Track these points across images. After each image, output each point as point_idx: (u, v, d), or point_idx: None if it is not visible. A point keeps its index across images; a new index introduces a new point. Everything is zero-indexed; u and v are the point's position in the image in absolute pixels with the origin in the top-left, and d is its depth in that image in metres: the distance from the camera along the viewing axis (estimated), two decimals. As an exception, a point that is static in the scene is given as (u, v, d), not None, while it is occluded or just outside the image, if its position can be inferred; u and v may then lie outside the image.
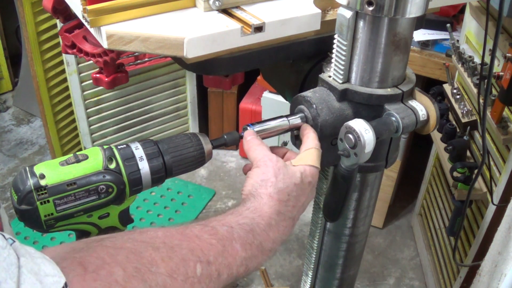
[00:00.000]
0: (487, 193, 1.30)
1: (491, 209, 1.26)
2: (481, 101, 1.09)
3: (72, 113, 2.10)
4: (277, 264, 1.92)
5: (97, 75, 0.86)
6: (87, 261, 0.41)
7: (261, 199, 0.59)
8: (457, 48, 1.40)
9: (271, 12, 0.64)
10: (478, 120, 1.35)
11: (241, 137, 0.65)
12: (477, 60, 1.36)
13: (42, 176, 0.58)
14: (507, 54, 1.10)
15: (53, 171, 0.59)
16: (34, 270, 0.37)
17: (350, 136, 0.59)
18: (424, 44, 1.65)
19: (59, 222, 0.60)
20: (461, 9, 1.70)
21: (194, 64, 0.62)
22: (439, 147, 1.46)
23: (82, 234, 0.66)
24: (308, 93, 0.65)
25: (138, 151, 0.62)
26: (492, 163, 1.28)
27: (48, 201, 0.58)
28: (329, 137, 0.66)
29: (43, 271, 0.37)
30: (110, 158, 0.61)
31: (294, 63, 0.75)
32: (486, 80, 0.93)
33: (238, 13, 0.63)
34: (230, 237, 0.54)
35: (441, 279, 1.69)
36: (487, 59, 1.14)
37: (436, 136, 1.49)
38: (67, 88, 1.99)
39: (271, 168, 0.60)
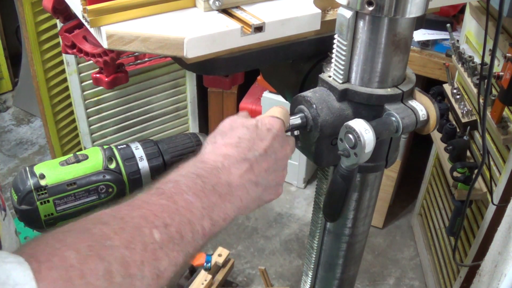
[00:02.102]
0: (487, 193, 1.30)
1: (491, 209, 1.26)
2: (481, 101, 1.09)
3: (72, 113, 2.10)
4: (277, 264, 1.93)
5: (97, 75, 0.86)
6: (37, 252, 0.39)
7: (204, 149, 0.56)
8: (457, 48, 1.40)
9: (271, 12, 0.64)
10: (478, 120, 1.35)
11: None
12: (477, 60, 1.36)
13: (42, 176, 0.58)
14: (507, 54, 1.10)
15: (53, 171, 0.59)
16: (2, 279, 0.35)
17: (350, 136, 0.59)
18: (424, 44, 1.65)
19: (59, 222, 0.60)
20: (461, 9, 1.70)
21: (194, 64, 0.62)
22: (439, 147, 1.46)
23: (82, 234, 0.66)
24: (308, 93, 0.65)
25: (138, 151, 0.62)
26: (492, 163, 1.28)
27: (48, 201, 0.58)
28: (329, 137, 0.66)
29: (13, 280, 0.35)
30: (110, 158, 0.61)
31: (294, 63, 0.75)
32: (486, 80, 0.93)
33: (238, 13, 0.63)
34: (179, 191, 0.49)
35: (441, 279, 1.69)
36: (487, 59, 1.14)
37: (436, 136, 1.49)
38: (67, 88, 1.99)
39: (224, 122, 0.58)
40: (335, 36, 0.64)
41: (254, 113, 2.27)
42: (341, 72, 0.64)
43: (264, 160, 0.55)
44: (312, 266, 0.92)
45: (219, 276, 1.67)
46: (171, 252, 0.45)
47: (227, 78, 0.96)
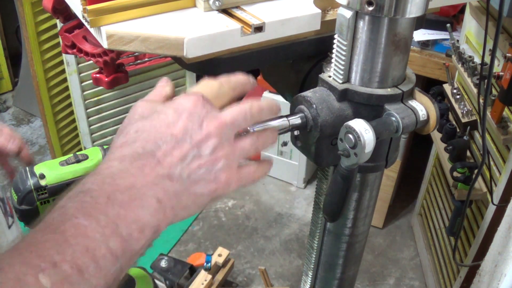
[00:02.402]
0: (487, 193, 1.30)
1: (491, 209, 1.26)
2: (481, 101, 1.09)
3: (72, 113, 2.10)
4: (277, 264, 1.93)
5: (97, 75, 0.86)
6: None
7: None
8: (457, 48, 1.40)
9: (271, 12, 0.64)
10: (478, 120, 1.35)
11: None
12: (477, 60, 1.36)
13: (42, 176, 0.58)
14: (507, 54, 1.10)
15: (53, 171, 0.59)
16: None
17: (350, 136, 0.59)
18: (424, 44, 1.65)
19: (59, 222, 0.60)
20: (461, 9, 1.70)
21: (194, 64, 0.62)
22: (439, 147, 1.46)
23: (82, 234, 0.66)
24: (308, 93, 0.65)
25: (138, 151, 0.62)
26: (492, 163, 1.28)
27: (48, 201, 0.58)
28: (329, 137, 0.66)
29: None
30: (110, 158, 0.61)
31: (294, 63, 0.75)
32: (486, 80, 0.93)
33: (238, 13, 0.63)
34: (66, 218, 0.39)
35: (441, 279, 1.69)
36: (487, 59, 1.14)
37: (436, 136, 1.49)
38: (67, 88, 1.99)
39: (128, 115, 0.49)
40: (335, 36, 0.64)
41: (254, 113, 2.28)
42: (341, 72, 0.64)
43: (175, 147, 0.45)
44: (312, 266, 0.92)
45: (219, 276, 1.67)
46: None
47: (227, 78, 0.96)
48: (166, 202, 0.43)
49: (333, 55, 0.65)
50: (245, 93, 0.54)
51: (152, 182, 0.43)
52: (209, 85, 0.50)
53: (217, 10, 0.64)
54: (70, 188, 0.42)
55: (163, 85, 0.53)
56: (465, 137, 1.36)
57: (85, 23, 0.61)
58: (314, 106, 0.63)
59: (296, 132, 0.67)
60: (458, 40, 1.45)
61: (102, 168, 0.43)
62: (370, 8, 0.58)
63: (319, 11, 0.65)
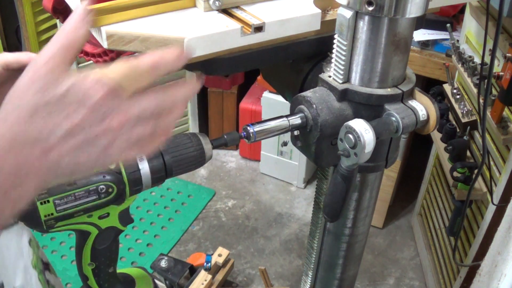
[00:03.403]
0: (487, 193, 1.30)
1: (491, 209, 1.26)
2: (481, 101, 1.09)
3: (72, 113, 2.09)
4: (277, 264, 1.93)
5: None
6: None
7: None
8: (457, 48, 1.40)
9: (271, 12, 0.64)
10: (478, 120, 1.35)
11: (241, 136, 0.65)
12: (477, 60, 1.36)
13: (42, 176, 0.58)
14: (507, 54, 1.10)
15: (53, 171, 0.59)
16: None
17: (350, 136, 0.59)
18: (424, 44, 1.65)
19: (59, 222, 0.60)
20: (461, 9, 1.70)
21: (194, 64, 0.62)
22: (439, 147, 1.46)
23: (82, 234, 0.67)
24: (308, 93, 0.65)
25: (138, 151, 0.62)
26: (492, 163, 1.28)
27: (48, 201, 0.58)
28: (329, 137, 0.66)
29: None
30: (110, 158, 0.61)
31: (294, 63, 0.75)
32: (486, 80, 0.93)
33: (238, 13, 0.63)
34: None
35: (441, 279, 1.69)
36: (487, 59, 1.14)
37: (436, 136, 1.49)
38: (67, 88, 1.99)
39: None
40: (335, 36, 0.64)
41: (254, 113, 2.28)
42: (341, 72, 0.64)
43: (67, 140, 0.42)
44: (312, 266, 0.92)
45: (219, 276, 1.67)
46: None
47: (227, 78, 0.96)
48: (47, 186, 0.44)
49: (333, 55, 0.65)
50: (174, 71, 0.48)
51: (37, 171, 0.41)
52: (125, 66, 0.44)
53: (217, 10, 0.64)
54: None
55: (78, 26, 0.44)
56: (465, 137, 1.36)
57: (85, 23, 0.61)
58: (314, 106, 0.63)
59: (296, 132, 0.67)
60: (458, 40, 1.45)
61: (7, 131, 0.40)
62: (370, 8, 0.58)
63: (319, 11, 0.65)
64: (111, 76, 0.43)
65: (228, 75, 0.94)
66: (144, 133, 0.45)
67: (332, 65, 0.66)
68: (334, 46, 0.64)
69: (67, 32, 0.43)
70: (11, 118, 0.40)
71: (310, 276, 0.94)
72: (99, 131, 0.42)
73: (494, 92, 1.23)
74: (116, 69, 0.43)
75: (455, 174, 1.35)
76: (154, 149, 0.47)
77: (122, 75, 0.43)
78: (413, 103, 0.65)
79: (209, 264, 1.62)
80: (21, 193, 0.41)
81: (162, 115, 0.47)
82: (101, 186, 0.60)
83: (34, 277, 0.61)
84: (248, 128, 0.64)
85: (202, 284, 1.59)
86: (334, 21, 0.63)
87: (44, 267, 0.64)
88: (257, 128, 0.65)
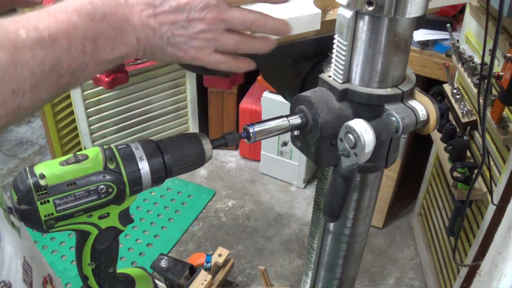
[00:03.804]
0: (487, 193, 1.30)
1: (491, 209, 1.26)
2: (481, 101, 1.09)
3: (72, 113, 2.10)
4: (277, 264, 1.93)
5: (97, 75, 0.86)
6: None
7: None
8: (457, 48, 1.40)
9: (271, 12, 0.64)
10: (478, 120, 1.35)
11: (241, 136, 0.65)
12: (477, 60, 1.36)
13: (42, 176, 0.58)
14: (507, 54, 1.10)
15: (53, 171, 0.59)
16: None
17: (350, 136, 0.59)
18: (424, 44, 1.65)
19: (59, 222, 0.60)
20: (461, 9, 1.70)
21: (194, 64, 0.62)
22: (439, 147, 1.46)
23: (82, 234, 0.66)
24: (308, 93, 0.65)
25: (138, 151, 0.62)
26: (492, 163, 1.28)
27: (48, 201, 0.58)
28: (329, 137, 0.66)
29: None
30: (110, 158, 0.61)
31: (294, 63, 0.75)
32: (486, 80, 0.93)
33: (238, 13, 0.63)
34: (64, 10, 0.47)
35: (441, 279, 1.69)
36: (487, 59, 1.14)
37: (436, 136, 1.49)
38: (67, 88, 1.99)
39: None
40: (335, 36, 0.64)
41: (254, 113, 2.28)
42: (341, 72, 0.64)
43: (173, 13, 0.52)
44: (312, 266, 0.92)
45: (219, 276, 1.67)
46: (37, 49, 0.44)
47: (227, 78, 0.96)
48: (142, 45, 0.52)
49: (333, 55, 0.65)
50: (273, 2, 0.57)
51: (141, 25, 0.51)
52: None
53: (217, 10, 0.64)
54: None
55: None
56: (465, 137, 1.36)
57: (85, 23, 0.61)
58: (314, 106, 0.63)
59: (296, 132, 0.67)
60: (458, 40, 1.45)
61: None
62: (370, 8, 0.58)
63: (319, 11, 0.65)
64: None
65: (228, 75, 0.93)
66: (229, 41, 0.55)
67: (332, 65, 0.66)
68: (334, 46, 0.64)
69: None
70: None
71: (310, 276, 0.94)
72: (196, 17, 0.52)
73: (494, 92, 1.23)
74: None
75: (455, 174, 1.35)
76: (230, 68, 0.58)
77: None
78: (413, 103, 0.65)
79: (209, 264, 1.62)
80: (116, 47, 0.50)
81: (249, 37, 0.57)
82: (101, 186, 0.60)
83: (0, 213, 0.62)
84: (248, 128, 0.64)
85: (202, 284, 1.59)
86: (334, 21, 0.63)
87: (9, 210, 0.65)
88: (257, 128, 0.65)
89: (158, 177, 0.63)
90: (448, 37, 1.48)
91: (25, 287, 0.62)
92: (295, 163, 2.24)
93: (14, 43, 0.43)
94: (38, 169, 0.59)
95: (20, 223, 0.66)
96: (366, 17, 0.60)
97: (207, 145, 0.65)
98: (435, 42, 1.64)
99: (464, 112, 1.37)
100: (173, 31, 0.52)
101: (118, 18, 0.49)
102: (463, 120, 1.37)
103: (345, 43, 0.62)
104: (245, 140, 0.65)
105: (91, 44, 0.48)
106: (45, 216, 0.58)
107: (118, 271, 0.76)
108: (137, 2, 0.50)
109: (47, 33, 0.45)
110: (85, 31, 0.47)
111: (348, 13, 0.60)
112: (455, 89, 1.44)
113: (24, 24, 0.44)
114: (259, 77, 2.21)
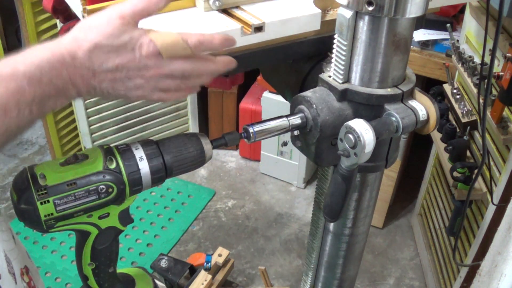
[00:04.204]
0: (487, 193, 1.30)
1: (491, 209, 1.26)
2: (481, 101, 1.09)
3: (72, 113, 2.10)
4: (277, 264, 1.93)
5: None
6: None
7: (64, 37, 0.56)
8: (457, 48, 1.40)
9: (271, 12, 0.64)
10: (478, 120, 1.35)
11: (241, 136, 0.65)
12: (477, 60, 1.36)
13: (42, 176, 0.58)
14: (507, 54, 1.10)
15: (53, 171, 0.59)
16: None
17: (350, 136, 0.59)
18: (424, 44, 1.65)
19: (59, 222, 0.60)
20: (461, 9, 1.70)
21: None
22: (439, 147, 1.46)
23: (82, 234, 0.66)
24: (308, 93, 0.65)
25: (138, 151, 0.62)
26: (492, 163, 1.28)
27: (48, 201, 0.58)
28: (329, 137, 0.66)
29: None
30: (110, 158, 0.61)
31: (294, 63, 0.75)
32: (486, 80, 0.93)
33: (238, 13, 0.63)
34: (14, 78, 0.51)
35: (441, 279, 1.69)
36: (487, 59, 1.14)
37: (436, 136, 1.49)
38: (67, 88, 1.99)
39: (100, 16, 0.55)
40: (335, 36, 0.64)
41: (254, 113, 2.28)
42: (341, 72, 0.64)
43: (111, 72, 0.55)
44: (312, 266, 0.92)
45: (219, 276, 1.67)
46: None
47: (227, 78, 0.96)
48: (83, 95, 0.57)
49: (333, 55, 0.65)
50: (213, 50, 0.58)
51: (83, 85, 0.55)
52: (171, 38, 0.55)
53: (217, 10, 0.64)
54: (31, 50, 0.53)
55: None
56: (465, 137, 1.36)
57: (85, 23, 0.61)
58: (314, 106, 0.63)
59: (296, 132, 0.67)
60: (458, 40, 1.45)
61: (60, 49, 0.53)
62: (370, 8, 0.58)
63: (319, 11, 0.65)
64: (162, 40, 0.55)
65: (228, 75, 0.94)
66: (170, 86, 0.58)
67: (332, 65, 0.66)
68: (334, 46, 0.64)
69: None
70: (77, 44, 0.54)
71: (310, 276, 0.94)
72: (135, 75, 0.55)
73: (494, 92, 1.23)
74: (168, 36, 0.55)
75: (455, 174, 1.34)
76: (176, 98, 0.60)
77: (170, 43, 0.55)
78: (413, 103, 0.65)
79: (209, 264, 1.62)
80: (58, 101, 0.55)
81: (190, 78, 0.59)
82: (101, 186, 0.60)
83: None
84: (248, 128, 0.64)
85: (202, 284, 1.59)
86: (334, 21, 0.63)
87: None
88: (257, 128, 0.65)
89: (158, 177, 0.63)
90: (448, 37, 1.48)
91: (10, 277, 0.63)
92: (295, 163, 2.24)
93: None
94: (38, 169, 0.59)
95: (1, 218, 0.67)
96: (366, 17, 0.60)
97: (207, 145, 0.65)
98: (435, 42, 1.64)
99: (464, 112, 1.37)
100: (113, 85, 0.56)
101: (63, 81, 0.53)
102: (463, 120, 1.37)
103: (345, 43, 0.62)
104: (245, 140, 0.65)
105: (37, 106, 0.52)
106: (45, 216, 0.58)
107: (118, 271, 0.76)
108: (79, 66, 0.54)
109: None
110: (33, 96, 0.51)
111: (348, 13, 0.60)
112: (455, 89, 1.44)
113: None
114: (259, 77, 2.21)
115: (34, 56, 0.52)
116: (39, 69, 0.52)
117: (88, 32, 0.54)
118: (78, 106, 2.01)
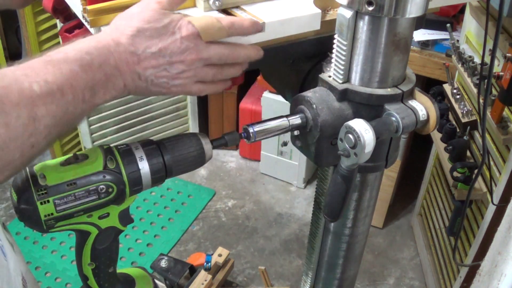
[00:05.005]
0: (487, 193, 1.30)
1: (491, 209, 1.26)
2: (481, 101, 1.09)
3: (72, 113, 2.10)
4: (277, 264, 1.93)
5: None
6: None
7: (106, 27, 0.58)
8: (457, 48, 1.40)
9: (271, 12, 0.64)
10: (478, 120, 1.35)
11: (241, 136, 0.65)
12: (477, 60, 1.36)
13: (42, 176, 0.58)
14: (507, 54, 1.10)
15: (53, 171, 0.59)
16: None
17: (350, 136, 0.59)
18: (424, 44, 1.65)
19: (59, 222, 0.60)
20: (461, 9, 1.70)
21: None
22: (439, 147, 1.46)
23: (82, 234, 0.66)
24: (308, 93, 0.65)
25: (138, 151, 0.62)
26: (492, 163, 1.28)
27: (48, 201, 0.58)
28: (329, 137, 0.66)
29: None
30: (110, 158, 0.61)
31: (294, 63, 0.75)
32: (486, 80, 0.93)
33: (238, 13, 0.63)
34: (66, 61, 0.52)
35: (441, 279, 1.69)
36: (487, 59, 1.14)
37: (436, 136, 1.49)
38: (67, 88, 1.99)
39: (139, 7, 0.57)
40: (335, 36, 0.64)
41: (254, 113, 2.28)
42: (341, 72, 0.64)
43: (155, 58, 0.57)
44: (312, 266, 0.92)
45: (219, 276, 1.67)
46: (49, 104, 0.48)
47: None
48: (128, 87, 0.57)
49: (333, 55, 0.65)
50: (244, 34, 0.61)
51: (129, 73, 0.56)
52: (207, 20, 0.58)
53: (217, 10, 0.64)
54: (77, 40, 0.55)
55: None
56: (465, 137, 1.36)
57: (85, 23, 0.61)
58: (314, 106, 0.63)
59: (296, 132, 0.67)
60: (458, 40, 1.45)
61: (105, 39, 0.55)
62: (370, 8, 0.58)
63: (319, 11, 0.65)
64: (199, 21, 0.57)
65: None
66: (207, 75, 0.60)
67: (332, 65, 0.66)
68: (334, 46, 0.64)
69: None
70: (120, 31, 0.56)
71: (310, 276, 0.94)
72: (177, 60, 0.57)
73: (494, 92, 1.23)
74: (204, 19, 0.57)
75: (455, 174, 1.35)
76: (212, 92, 0.63)
77: (206, 24, 0.57)
78: (413, 103, 0.65)
79: (209, 264, 1.62)
80: (107, 92, 0.55)
81: (225, 67, 0.61)
82: (101, 186, 0.60)
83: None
84: (248, 128, 0.64)
85: (202, 284, 1.59)
86: (334, 21, 0.63)
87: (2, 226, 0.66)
88: (257, 128, 0.65)
89: (158, 177, 0.63)
90: (448, 37, 1.48)
91: None
92: (295, 163, 2.24)
93: (31, 99, 0.47)
94: (38, 169, 0.59)
95: (12, 238, 0.67)
96: (366, 17, 0.60)
97: (207, 145, 0.65)
98: (435, 42, 1.64)
99: (464, 112, 1.37)
100: (156, 73, 0.57)
101: (111, 67, 0.55)
102: (463, 120, 1.37)
103: (345, 43, 0.62)
104: (245, 140, 0.65)
105: (89, 92, 0.53)
106: (45, 216, 0.58)
107: (118, 271, 0.76)
108: (124, 51, 0.55)
109: (56, 86, 0.49)
110: (85, 81, 0.52)
111: (348, 13, 0.60)
112: (455, 89, 1.44)
113: (35, 78, 0.48)
114: (259, 77, 2.21)
115: (82, 44, 0.54)
116: (89, 55, 0.53)
117: (129, 19, 0.56)
118: (78, 106, 2.00)
